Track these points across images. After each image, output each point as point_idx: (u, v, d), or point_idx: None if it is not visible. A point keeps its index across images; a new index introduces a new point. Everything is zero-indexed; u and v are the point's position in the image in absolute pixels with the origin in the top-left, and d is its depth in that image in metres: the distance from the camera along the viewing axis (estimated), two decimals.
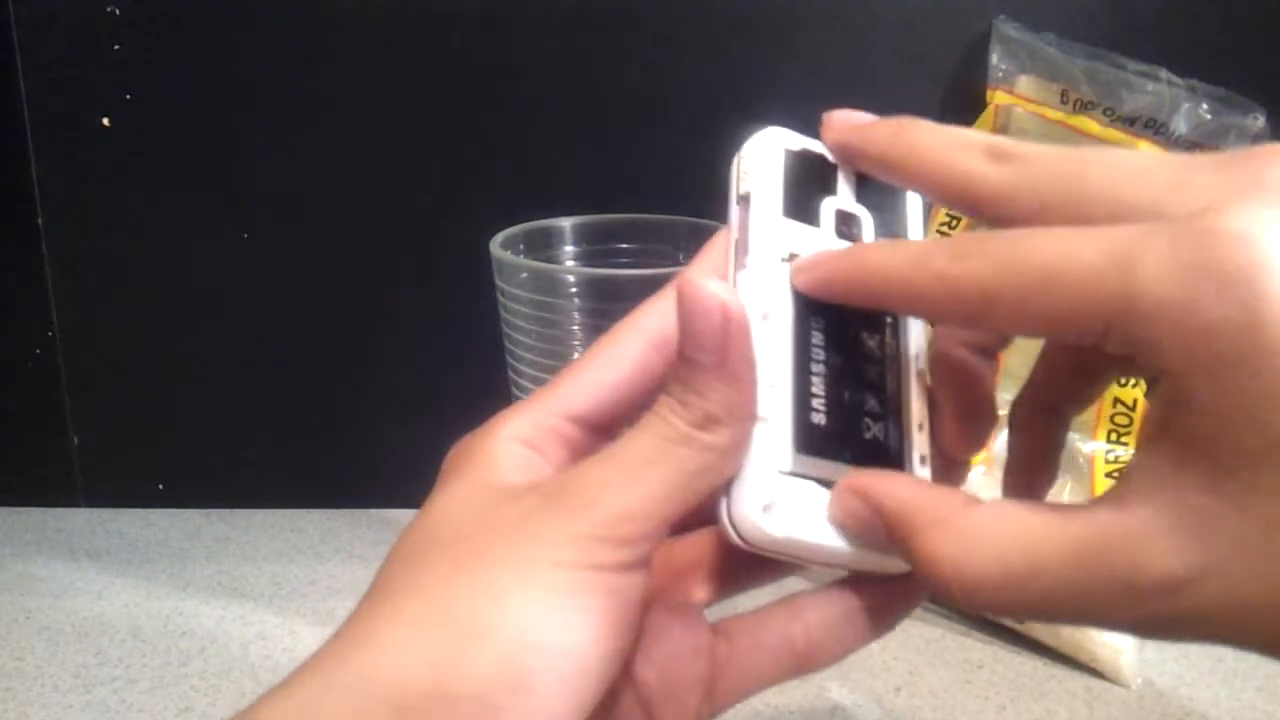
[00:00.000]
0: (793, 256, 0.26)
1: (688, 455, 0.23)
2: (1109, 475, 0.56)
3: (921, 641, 0.56)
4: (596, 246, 0.55)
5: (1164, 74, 0.57)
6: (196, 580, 0.61)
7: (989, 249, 0.22)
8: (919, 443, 0.27)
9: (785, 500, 0.24)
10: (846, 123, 0.27)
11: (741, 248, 0.27)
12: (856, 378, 0.26)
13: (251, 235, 0.64)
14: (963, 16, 0.61)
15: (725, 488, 0.25)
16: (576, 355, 0.49)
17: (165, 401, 0.67)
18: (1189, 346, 0.19)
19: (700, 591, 0.29)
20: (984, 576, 0.21)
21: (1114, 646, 0.53)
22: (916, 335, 0.28)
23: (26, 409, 0.68)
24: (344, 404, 0.67)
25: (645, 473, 0.23)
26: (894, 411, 0.27)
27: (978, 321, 0.24)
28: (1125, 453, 0.56)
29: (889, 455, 0.26)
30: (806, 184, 0.28)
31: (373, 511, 0.68)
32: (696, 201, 0.57)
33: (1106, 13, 0.61)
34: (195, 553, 0.64)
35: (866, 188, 0.28)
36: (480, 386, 0.59)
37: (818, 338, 0.26)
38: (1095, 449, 0.56)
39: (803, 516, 0.25)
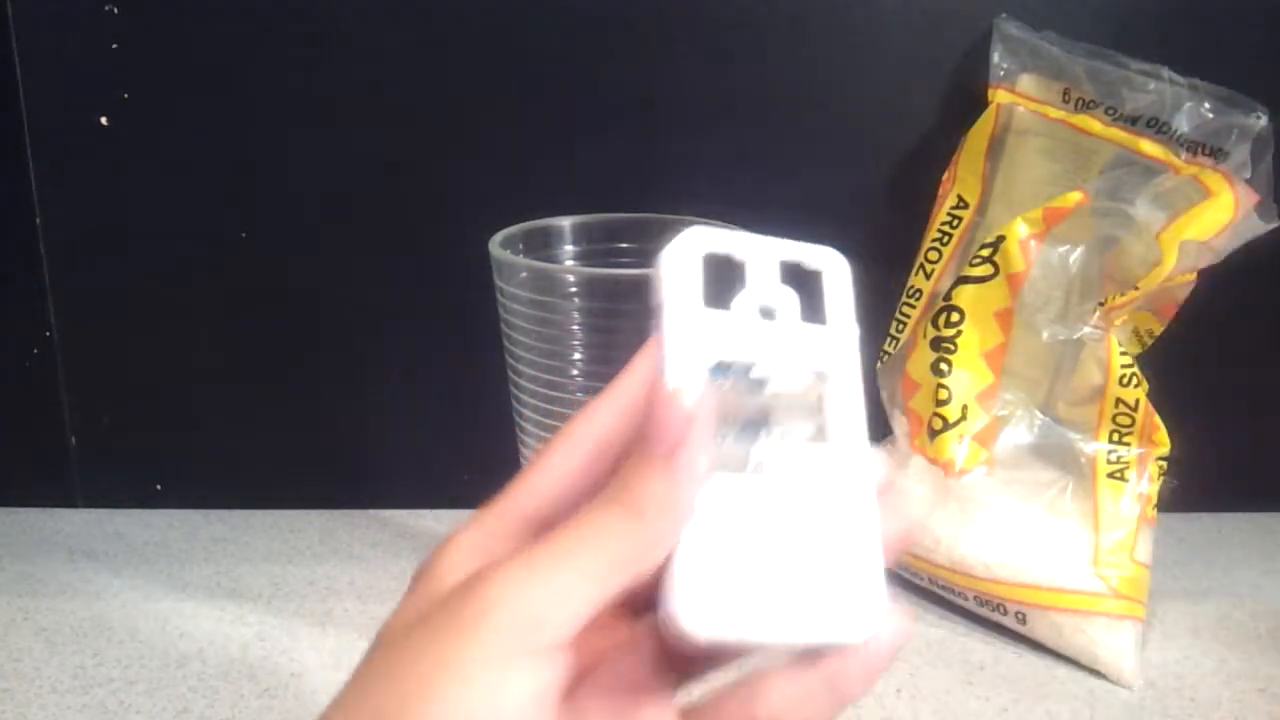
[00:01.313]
0: (720, 363, 0.27)
1: (615, 541, 0.24)
2: (1110, 475, 0.56)
3: (923, 643, 0.56)
4: (596, 246, 0.55)
5: (1166, 73, 0.57)
6: (194, 581, 0.61)
7: None
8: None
9: (717, 594, 0.25)
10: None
11: (666, 356, 0.27)
12: None
13: (251, 235, 0.64)
14: (964, 15, 0.61)
15: (662, 585, 0.25)
16: (576, 355, 0.49)
17: (163, 402, 0.67)
18: None
19: (666, 677, 0.29)
20: None
21: (1116, 648, 0.53)
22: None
23: (24, 410, 0.67)
24: (343, 404, 0.67)
25: (563, 563, 0.24)
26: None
27: None
28: (1127, 453, 0.56)
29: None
30: (719, 280, 0.29)
31: (371, 512, 0.68)
32: (696, 201, 0.57)
33: (1108, 11, 0.61)
34: (193, 553, 0.64)
35: (786, 273, 0.29)
36: (480, 386, 0.59)
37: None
38: (1097, 449, 0.56)
39: (737, 608, 0.25)
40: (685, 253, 0.29)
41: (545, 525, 0.27)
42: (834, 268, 0.30)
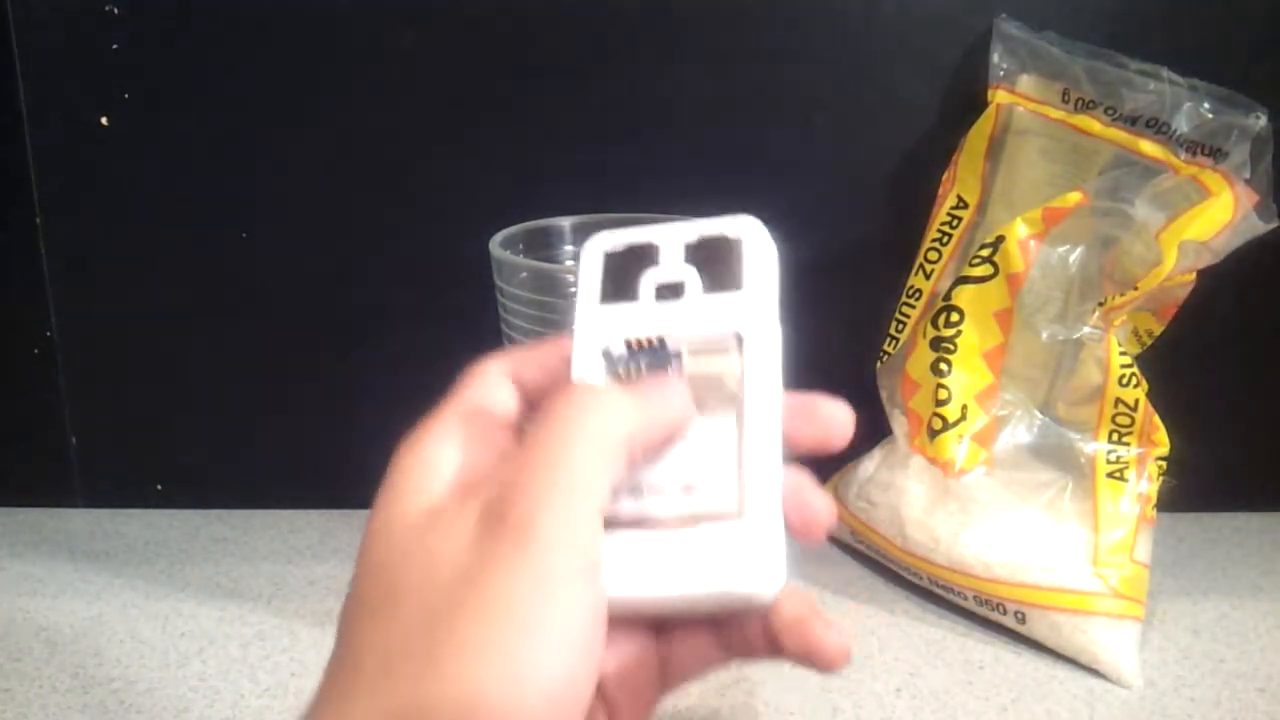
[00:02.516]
0: (608, 346, 0.30)
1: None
2: (1110, 475, 0.56)
3: (922, 643, 0.56)
4: None
5: (1165, 73, 0.57)
6: (195, 581, 0.61)
7: None
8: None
9: (610, 559, 0.26)
10: None
11: (574, 344, 0.30)
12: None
13: (251, 235, 0.64)
14: (964, 15, 0.61)
15: None
16: None
17: (163, 402, 0.67)
18: None
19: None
20: None
21: (1116, 648, 0.53)
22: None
23: (25, 409, 0.67)
24: (343, 404, 0.67)
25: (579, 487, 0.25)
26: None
27: None
28: (1126, 453, 0.56)
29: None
30: (628, 270, 0.31)
31: (371, 512, 0.68)
32: (696, 201, 0.57)
33: (1108, 11, 0.61)
34: (194, 553, 0.64)
35: (698, 251, 0.31)
36: None
37: None
38: (1097, 449, 0.56)
39: (624, 572, 0.26)
40: (590, 256, 0.32)
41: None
42: (751, 234, 0.31)
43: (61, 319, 0.66)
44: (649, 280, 0.31)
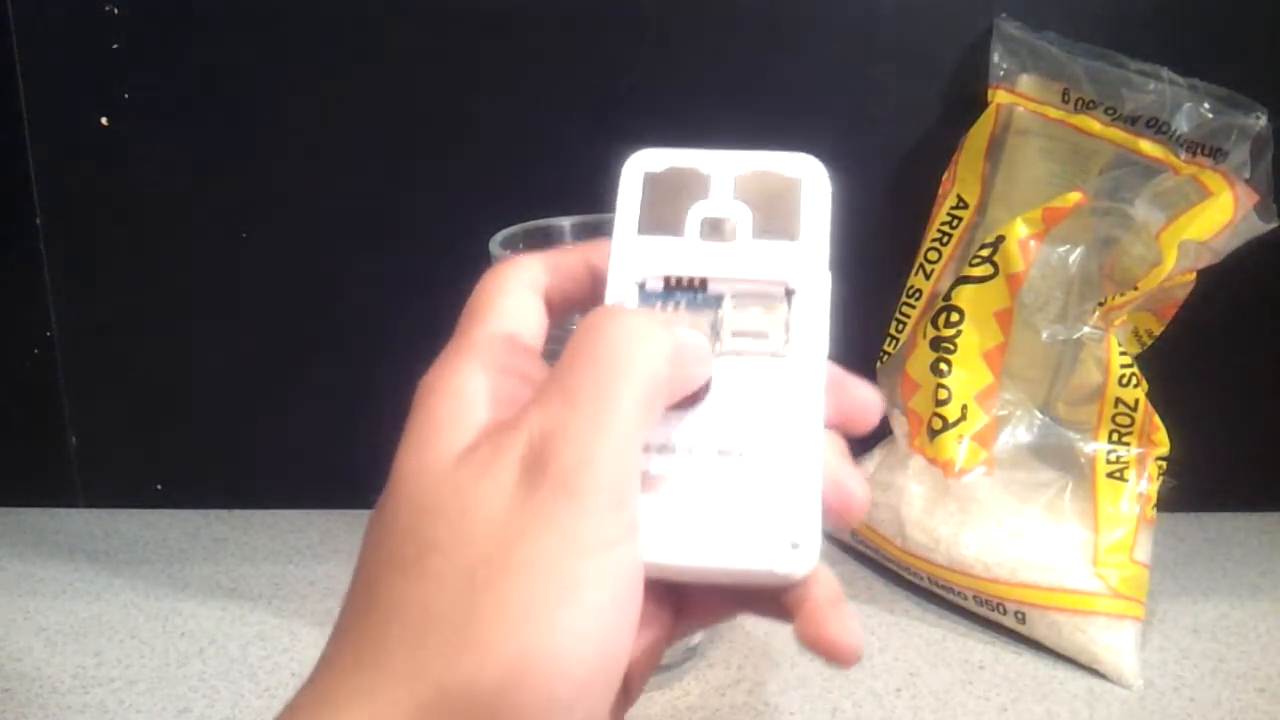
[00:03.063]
0: (644, 280, 0.28)
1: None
2: (1110, 475, 0.56)
3: (922, 642, 0.56)
4: None
5: (1165, 73, 0.57)
6: (195, 581, 0.61)
7: None
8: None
9: (647, 524, 0.24)
10: None
11: (609, 274, 0.28)
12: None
13: (251, 235, 0.64)
14: (964, 15, 0.61)
15: None
16: None
17: (164, 402, 0.67)
18: None
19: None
20: None
21: (1116, 648, 0.53)
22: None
23: (25, 409, 0.67)
24: (343, 404, 0.67)
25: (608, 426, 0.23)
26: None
27: None
28: (1126, 452, 0.56)
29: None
30: (672, 198, 0.28)
31: (372, 512, 0.68)
32: None
33: (1108, 11, 0.61)
34: (194, 553, 0.64)
35: (749, 186, 0.28)
36: None
37: None
38: (1097, 449, 0.56)
39: (649, 537, 0.25)
40: (630, 177, 0.29)
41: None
42: (811, 175, 0.29)
43: (61, 319, 0.66)
44: (695, 215, 0.28)
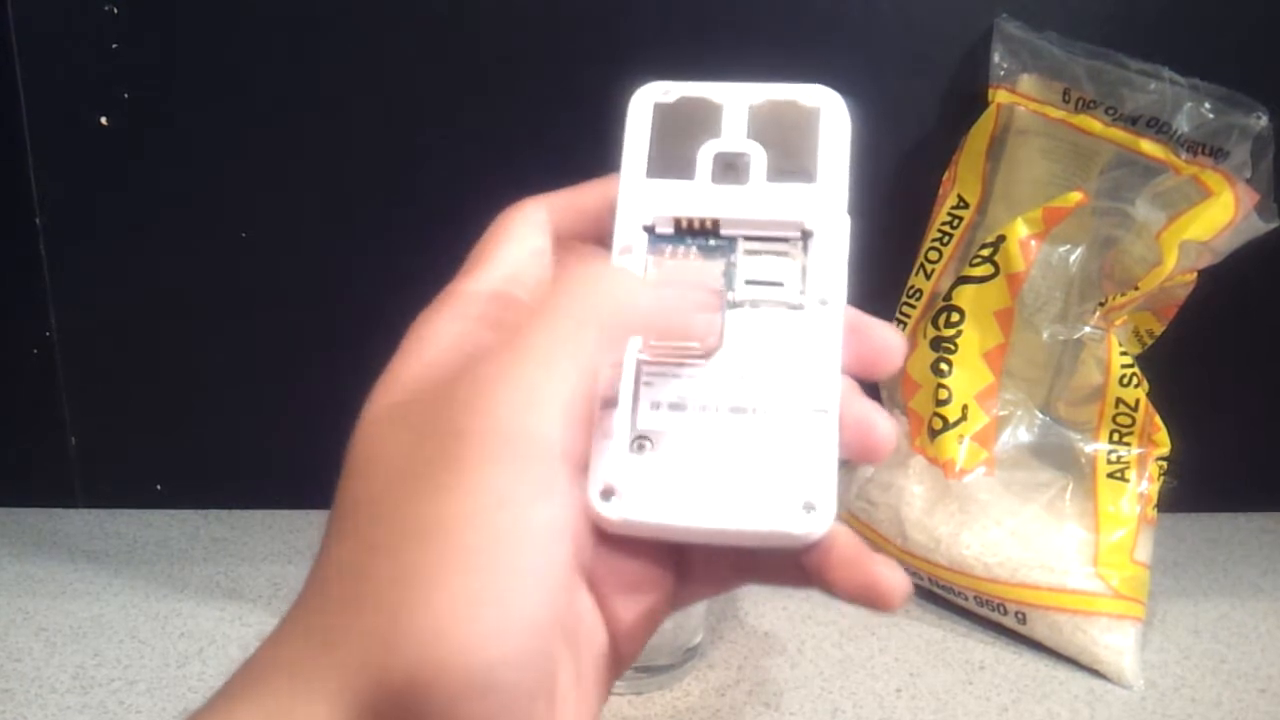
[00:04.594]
0: (654, 223, 0.26)
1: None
2: (1110, 475, 0.56)
3: (922, 643, 0.56)
4: None
5: (1166, 73, 0.57)
6: (195, 581, 0.61)
7: None
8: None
9: (631, 482, 0.24)
10: None
11: (616, 216, 0.27)
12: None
13: (251, 235, 0.64)
14: (964, 15, 0.61)
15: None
16: None
17: (163, 402, 0.67)
18: None
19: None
20: None
21: (1117, 648, 0.53)
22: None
23: (24, 409, 0.67)
24: (344, 404, 0.67)
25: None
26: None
27: None
28: (1127, 453, 0.56)
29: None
30: (683, 134, 0.27)
31: None
32: None
33: (1109, 11, 0.61)
34: (193, 554, 0.64)
35: (763, 121, 0.27)
36: None
37: None
38: (1097, 449, 0.56)
39: (654, 496, 0.24)
40: (638, 110, 0.28)
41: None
42: (829, 106, 0.28)
43: (61, 319, 0.66)
44: (706, 153, 0.27)
